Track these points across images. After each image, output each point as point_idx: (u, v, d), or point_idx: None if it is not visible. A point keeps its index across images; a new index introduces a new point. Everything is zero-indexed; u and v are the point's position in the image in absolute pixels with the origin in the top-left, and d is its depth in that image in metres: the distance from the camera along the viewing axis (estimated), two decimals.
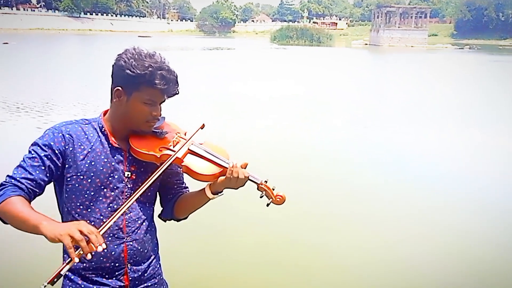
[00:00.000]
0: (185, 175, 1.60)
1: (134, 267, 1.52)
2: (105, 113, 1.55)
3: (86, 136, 1.47)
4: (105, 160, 1.47)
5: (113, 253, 1.47)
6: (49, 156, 1.41)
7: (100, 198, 1.46)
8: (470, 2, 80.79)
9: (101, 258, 1.46)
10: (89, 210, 1.46)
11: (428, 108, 12.55)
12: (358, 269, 3.83)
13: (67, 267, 1.16)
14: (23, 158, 1.40)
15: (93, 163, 1.45)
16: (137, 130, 1.51)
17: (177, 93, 1.51)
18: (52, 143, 1.42)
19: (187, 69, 19.16)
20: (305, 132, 9.22)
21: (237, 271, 3.75)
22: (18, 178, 1.36)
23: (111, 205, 1.47)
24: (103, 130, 1.50)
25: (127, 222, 1.49)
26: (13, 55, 25.79)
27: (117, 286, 1.50)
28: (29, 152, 1.41)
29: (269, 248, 4.16)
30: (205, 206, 1.60)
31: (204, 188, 1.54)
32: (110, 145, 1.49)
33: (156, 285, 1.60)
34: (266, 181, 1.52)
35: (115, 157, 1.49)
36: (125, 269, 1.50)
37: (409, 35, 65.23)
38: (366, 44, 69.18)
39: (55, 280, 1.15)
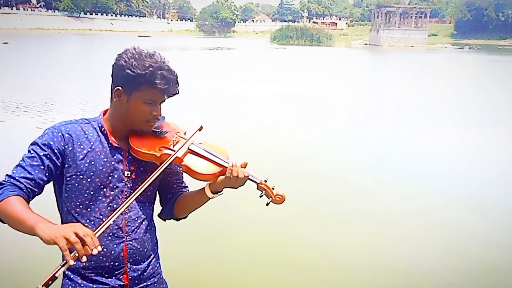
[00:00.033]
0: (185, 175, 1.60)
1: (134, 266, 1.52)
2: (104, 112, 1.55)
3: (85, 136, 1.47)
4: (105, 159, 1.47)
5: (112, 252, 1.47)
6: (48, 156, 1.41)
7: (100, 198, 1.46)
8: (470, 2, 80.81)
9: (101, 257, 1.46)
10: (88, 209, 1.46)
11: (428, 108, 12.55)
12: (358, 269, 3.83)
13: (62, 269, 1.16)
14: (23, 158, 1.40)
15: (92, 162, 1.45)
16: (137, 129, 1.51)
17: (177, 93, 1.51)
18: (51, 143, 1.42)
19: (187, 69, 19.17)
20: (305, 131, 9.22)
21: (237, 271, 3.75)
22: (17, 178, 1.36)
23: (110, 204, 1.47)
24: (102, 129, 1.50)
25: (126, 222, 1.49)
26: (13, 55, 25.80)
27: (117, 285, 1.50)
28: (29, 151, 1.42)
29: (269, 248, 4.15)
30: (204, 205, 1.60)
31: (203, 188, 1.54)
32: (109, 145, 1.49)
33: (155, 284, 1.60)
34: (265, 181, 1.52)
35: (115, 157, 1.49)
36: (125, 268, 1.50)
37: (409, 35, 65.27)
38: (366, 44, 69.19)
39: (50, 282, 1.15)
